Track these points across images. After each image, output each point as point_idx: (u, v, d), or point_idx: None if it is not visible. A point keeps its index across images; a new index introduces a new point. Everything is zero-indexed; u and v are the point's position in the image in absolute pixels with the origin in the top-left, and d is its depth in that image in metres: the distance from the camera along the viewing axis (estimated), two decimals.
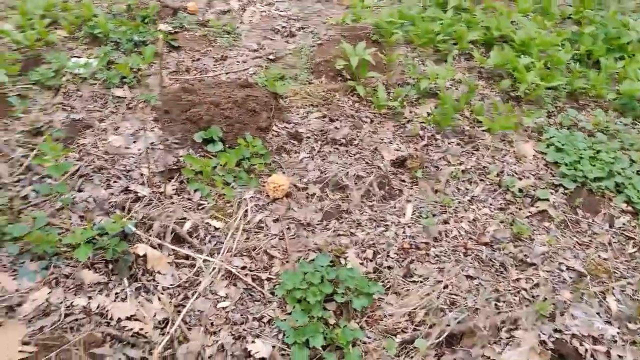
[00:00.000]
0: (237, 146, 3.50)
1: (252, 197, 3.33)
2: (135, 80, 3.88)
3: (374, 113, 4.06)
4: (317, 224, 3.25)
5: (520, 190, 3.70)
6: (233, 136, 3.58)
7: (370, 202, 3.46)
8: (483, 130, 4.06)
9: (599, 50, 4.71)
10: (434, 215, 3.44)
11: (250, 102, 3.71)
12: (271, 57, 4.35)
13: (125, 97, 3.78)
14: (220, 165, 3.39)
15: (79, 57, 3.97)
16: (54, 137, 3.34)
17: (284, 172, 3.55)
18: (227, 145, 3.55)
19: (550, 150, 3.96)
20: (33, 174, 3.18)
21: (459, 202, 3.57)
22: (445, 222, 3.43)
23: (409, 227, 3.36)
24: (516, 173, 3.81)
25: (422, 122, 4.04)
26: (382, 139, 3.89)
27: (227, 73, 4.11)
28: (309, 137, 3.81)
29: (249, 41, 4.55)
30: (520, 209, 3.60)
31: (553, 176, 3.85)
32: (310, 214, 3.30)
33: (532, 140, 4.10)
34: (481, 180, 3.74)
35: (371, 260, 3.12)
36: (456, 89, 4.35)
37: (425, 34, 4.45)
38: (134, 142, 3.50)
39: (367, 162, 3.68)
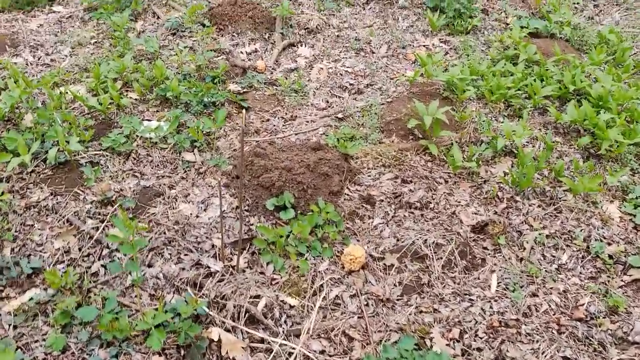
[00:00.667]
0: (310, 212, 3.30)
1: (327, 269, 3.09)
2: (205, 143, 3.76)
3: (448, 173, 3.80)
4: (397, 299, 2.98)
5: (611, 257, 3.34)
6: (305, 202, 3.38)
7: (452, 273, 3.17)
8: (564, 190, 3.73)
9: None
10: (521, 286, 3.12)
11: (322, 166, 3.51)
12: (340, 115, 4.17)
13: (195, 162, 3.64)
14: (293, 234, 3.19)
15: (149, 121, 3.88)
16: (124, 207, 3.22)
17: (358, 240, 3.31)
18: (299, 211, 3.35)
19: (639, 212, 3.58)
20: (103, 247, 3.06)
21: (546, 271, 3.23)
22: (534, 294, 3.10)
23: (495, 301, 3.04)
24: (604, 237, 3.45)
25: (500, 182, 3.74)
26: (459, 202, 3.60)
27: (296, 133, 3.94)
28: (382, 201, 3.57)
29: (317, 99, 4.39)
30: (612, 277, 3.24)
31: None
32: (389, 288, 3.03)
33: (617, 200, 3.74)
34: (567, 246, 3.40)
35: (458, 341, 2.81)
36: (533, 146, 4.04)
37: (497, 90, 4.19)
38: (205, 209, 3.34)
39: (445, 228, 3.39)
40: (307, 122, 4.11)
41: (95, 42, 4.92)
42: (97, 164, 3.55)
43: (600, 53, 4.65)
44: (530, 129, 3.96)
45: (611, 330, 2.95)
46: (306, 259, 3.12)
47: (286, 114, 4.20)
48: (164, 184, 3.48)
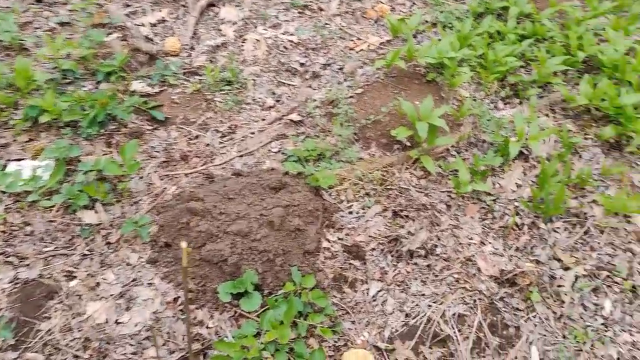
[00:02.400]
0: (282, 292, 2.25)
1: None
2: (110, 189, 2.48)
3: (449, 193, 2.81)
4: None
5: None
6: (273, 276, 2.30)
7: (483, 355, 2.29)
8: (589, 203, 2.89)
9: None
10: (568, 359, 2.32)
11: (291, 218, 2.40)
12: (295, 117, 2.97)
13: (100, 224, 2.39)
14: (264, 341, 2.13)
15: (19, 161, 2.50)
16: None
17: (352, 322, 2.32)
18: (265, 292, 2.28)
19: None
20: None
21: (592, 330, 2.45)
22: None
23: None
24: None
25: (515, 201, 2.82)
26: (471, 238, 2.66)
27: (241, 155, 2.74)
28: (373, 250, 2.56)
29: (259, 92, 3.12)
30: None
31: None
32: None
33: None
34: (608, 286, 2.61)
35: None
36: (544, 140, 3.11)
37: (494, 65, 3.13)
38: (127, 308, 2.17)
39: (463, 287, 2.47)
40: (253, 133, 2.88)
41: None
42: None
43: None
44: (545, 131, 2.98)
45: None
46: None
47: (221, 122, 2.93)
48: (58, 272, 2.24)
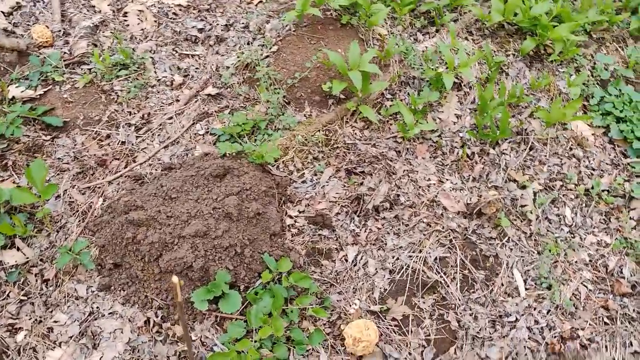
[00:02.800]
0: (259, 283, 2.25)
1: None
2: (29, 222, 2.27)
3: (394, 138, 2.92)
4: None
5: (609, 192, 2.95)
6: (246, 269, 2.28)
7: (475, 292, 2.48)
8: (527, 118, 3.16)
9: None
10: (547, 275, 2.58)
11: (248, 204, 2.36)
12: (211, 90, 2.87)
13: (27, 262, 2.19)
14: (258, 339, 2.14)
15: None
16: None
17: (340, 293, 2.38)
18: (241, 287, 2.26)
19: (612, 123, 3.19)
20: None
21: (561, 240, 2.73)
22: (565, 280, 2.60)
23: (534, 309, 2.47)
24: (593, 170, 3.03)
25: (459, 132, 3.00)
26: (429, 180, 2.81)
27: (165, 146, 2.61)
28: (338, 215, 2.61)
29: (162, 70, 2.95)
30: (623, 221, 2.86)
31: (626, 156, 3.16)
32: (418, 356, 2.25)
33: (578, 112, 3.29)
34: (564, 195, 2.91)
35: None
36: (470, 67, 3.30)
37: None
38: (95, 347, 2.04)
39: (436, 229, 2.62)
40: (171, 118, 2.76)
41: None
42: None
43: None
44: (473, 60, 3.15)
45: None
46: None
47: (131, 114, 2.76)
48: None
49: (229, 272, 2.23)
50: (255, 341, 2.13)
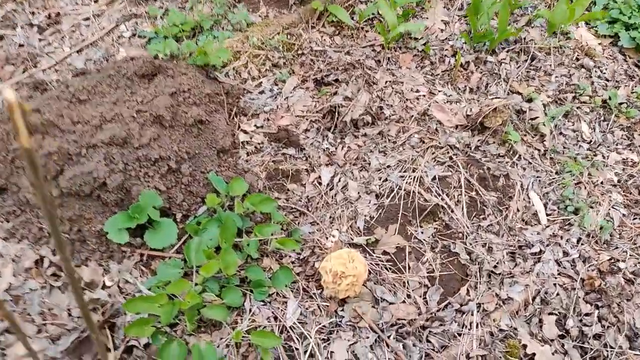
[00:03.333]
0: (204, 211, 1.63)
1: (300, 316, 1.55)
2: None
3: (372, 46, 2.33)
4: (441, 310, 1.63)
5: (628, 105, 2.40)
6: (184, 192, 1.65)
7: (486, 218, 1.90)
8: (524, 26, 2.60)
9: None
10: (570, 199, 2.03)
11: (184, 108, 1.74)
12: None
13: None
14: (200, 281, 1.52)
15: None
16: None
17: (313, 224, 1.78)
18: (180, 217, 1.63)
19: (620, 31, 2.66)
20: None
21: (582, 158, 2.18)
22: (594, 204, 2.04)
23: (561, 238, 1.91)
24: (607, 80, 2.50)
25: (448, 40, 2.44)
26: (417, 91, 2.23)
27: (79, 50, 1.96)
28: (307, 132, 2.01)
29: None
30: None
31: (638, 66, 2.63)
32: (419, 298, 1.66)
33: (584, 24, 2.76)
34: (578, 107, 2.37)
35: (564, 336, 1.65)
36: None
37: None
38: None
39: (432, 146, 2.03)
40: (87, 19, 2.12)
41: None
42: None
43: None
44: None
45: None
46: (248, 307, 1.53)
47: (34, 13, 2.09)
48: None
49: (160, 194, 1.61)
50: (197, 283, 1.51)
